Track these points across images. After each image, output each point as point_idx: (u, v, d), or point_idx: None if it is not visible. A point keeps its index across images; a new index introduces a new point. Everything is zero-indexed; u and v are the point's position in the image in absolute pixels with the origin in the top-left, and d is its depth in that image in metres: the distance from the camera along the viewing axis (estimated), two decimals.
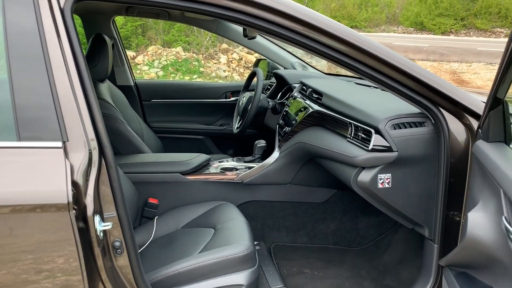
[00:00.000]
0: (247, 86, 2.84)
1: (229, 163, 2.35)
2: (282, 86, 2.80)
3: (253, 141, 2.51)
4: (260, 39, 2.86)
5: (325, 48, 1.38)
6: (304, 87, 2.38)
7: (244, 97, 2.66)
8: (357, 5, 18.22)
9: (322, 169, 2.13)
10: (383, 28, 17.03)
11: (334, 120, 1.85)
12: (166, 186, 2.16)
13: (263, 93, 2.80)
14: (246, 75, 9.62)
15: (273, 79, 2.95)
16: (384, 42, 13.08)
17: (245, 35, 2.36)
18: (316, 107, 2.02)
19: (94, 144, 1.23)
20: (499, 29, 15.52)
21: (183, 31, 10.31)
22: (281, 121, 2.40)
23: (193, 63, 9.21)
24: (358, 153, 1.62)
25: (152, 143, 2.70)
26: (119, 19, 9.61)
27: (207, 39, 10.05)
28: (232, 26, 2.79)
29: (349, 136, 1.73)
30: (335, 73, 2.89)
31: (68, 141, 1.20)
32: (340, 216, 2.31)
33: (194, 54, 9.55)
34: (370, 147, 1.58)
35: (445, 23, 16.54)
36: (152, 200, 2.11)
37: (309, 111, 2.04)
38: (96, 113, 1.25)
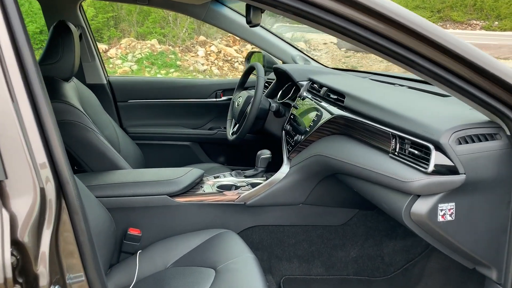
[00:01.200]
0: (243, 84, 2.39)
1: (227, 179, 1.91)
2: (283, 83, 2.37)
3: (248, 148, 2.08)
4: (256, 28, 2.41)
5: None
6: (314, 85, 1.96)
7: (241, 97, 2.22)
8: None
9: (343, 185, 1.72)
10: None
11: (367, 129, 1.43)
12: (151, 212, 1.71)
13: None
14: (226, 68, 9.16)
15: (271, 75, 2.52)
16: None
17: (248, 22, 1.91)
18: (338, 111, 1.60)
19: (48, 179, 0.78)
20: (475, 21, 15.46)
21: (158, 23, 9.75)
22: (288, 127, 1.97)
23: (170, 56, 8.68)
24: (413, 177, 1.20)
25: (130, 154, 2.23)
26: (90, 11, 8.98)
27: (184, 31, 9.51)
28: (223, 12, 2.33)
29: (392, 151, 1.31)
30: (344, 68, 2.47)
31: (6, 179, 0.75)
32: (362, 240, 1.90)
33: (170, 47, 9.01)
34: (431, 168, 1.17)
35: (422, 15, 16.39)
36: (133, 231, 1.65)
37: (329, 117, 1.62)
38: (51, 131, 0.79)
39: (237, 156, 2.67)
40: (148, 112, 2.58)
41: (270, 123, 2.18)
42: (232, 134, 2.27)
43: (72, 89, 1.91)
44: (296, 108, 1.99)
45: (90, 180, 1.70)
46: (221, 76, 8.38)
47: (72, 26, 1.87)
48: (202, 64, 8.54)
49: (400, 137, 1.29)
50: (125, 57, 8.58)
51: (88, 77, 2.36)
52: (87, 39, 2.31)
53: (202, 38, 9.53)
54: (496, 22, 14.89)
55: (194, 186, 1.80)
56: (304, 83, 2.07)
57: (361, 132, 1.47)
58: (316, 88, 1.93)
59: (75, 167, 1.91)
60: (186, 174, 1.79)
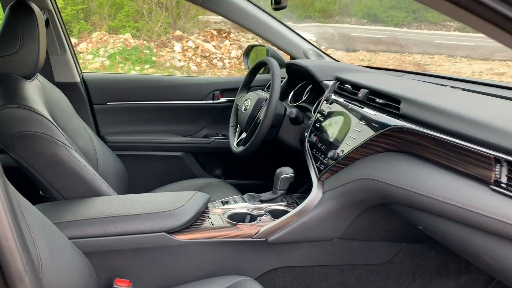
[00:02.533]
0: (248, 83, 1.96)
1: (239, 205, 1.48)
2: (296, 83, 1.96)
3: (251, 159, 1.67)
4: (263, 16, 1.99)
5: None
6: (345, 85, 1.55)
7: (249, 99, 1.79)
8: None
9: (394, 216, 1.33)
10: (337, 19, 16.57)
11: (448, 148, 1.04)
12: (144, 255, 1.27)
13: (264, 91, 1.95)
14: (204, 65, 8.67)
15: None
16: (342, 32, 12.54)
17: (277, 2, 1.49)
18: (396, 121, 1.19)
19: None
20: (449, 23, 15.53)
21: (131, 16, 9.17)
22: (313, 138, 1.56)
23: (144, 51, 8.13)
24: None
25: (110, 169, 1.77)
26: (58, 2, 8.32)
27: (159, 25, 8.97)
28: None
29: (497, 182, 0.92)
30: (365, 65, 2.07)
31: None
32: (408, 281, 1.51)
33: (145, 42, 8.45)
34: None
35: (397, 16, 16.40)
36: (120, 283, 1.21)
37: (382, 128, 1.21)
38: None
39: (237, 168, 2.24)
40: (131, 116, 2.11)
41: (285, 131, 1.76)
42: (238, 144, 1.84)
43: (36, 90, 1.44)
44: (323, 115, 1.58)
45: (61, 214, 1.24)
46: (200, 73, 7.91)
47: (36, 8, 1.41)
48: (179, 60, 8.04)
49: (509, 162, 0.90)
50: (96, 52, 7.99)
51: (57, 74, 1.88)
52: (56, 27, 1.82)
53: (178, 33, 9.01)
54: None
55: (199, 217, 1.37)
56: (330, 83, 1.66)
57: (437, 152, 1.07)
58: (348, 90, 1.52)
59: (41, 192, 1.45)
60: (188, 202, 1.35)
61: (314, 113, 1.72)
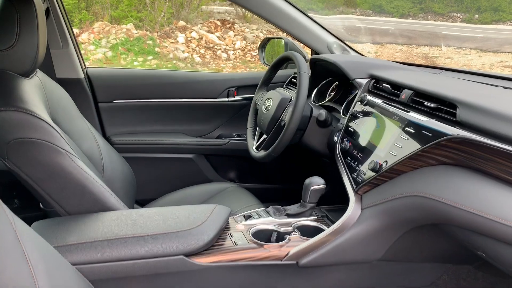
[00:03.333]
0: (268, 81, 1.78)
1: (264, 220, 1.30)
2: (320, 79, 1.78)
3: (267, 161, 1.51)
4: (281, 5, 1.79)
5: None
6: (382, 85, 1.37)
7: (270, 98, 1.61)
8: None
9: (439, 234, 1.16)
10: (341, 10, 16.29)
11: None
12: (159, 282, 1.10)
13: (284, 88, 1.77)
14: (208, 56, 8.46)
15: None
16: (347, 24, 12.27)
17: None
18: (454, 129, 1.02)
19: None
20: (455, 14, 15.25)
21: (133, 6, 8.95)
22: (346, 144, 1.38)
23: (147, 42, 7.92)
24: None
25: (117, 174, 1.60)
26: None
27: (162, 15, 8.76)
28: None
29: None
30: (400, 61, 1.87)
31: None
32: None
33: (148, 32, 8.24)
34: None
35: (403, 6, 16.14)
36: None
37: (437, 138, 1.04)
38: None
39: (254, 171, 2.06)
40: (139, 115, 1.93)
41: (310, 134, 1.58)
42: (258, 148, 1.66)
43: (35, 89, 1.26)
44: (356, 118, 1.40)
45: (63, 236, 1.07)
46: (204, 65, 7.70)
47: None
48: (183, 51, 7.84)
49: None
50: (98, 43, 7.78)
51: (59, 69, 1.69)
52: (57, 17, 1.63)
53: (181, 23, 8.79)
54: (477, 15, 14.71)
55: (220, 235, 1.20)
56: (363, 81, 1.48)
57: (509, 168, 0.90)
58: (387, 90, 1.34)
59: (41, 205, 1.28)
60: (208, 218, 1.17)
61: (344, 115, 1.55)
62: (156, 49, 7.84)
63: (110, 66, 6.97)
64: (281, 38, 2.11)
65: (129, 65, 7.24)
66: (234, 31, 9.12)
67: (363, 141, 1.31)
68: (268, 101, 1.61)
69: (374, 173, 1.19)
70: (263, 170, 2.06)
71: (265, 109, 1.61)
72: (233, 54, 8.29)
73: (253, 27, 9.31)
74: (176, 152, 1.94)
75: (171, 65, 7.33)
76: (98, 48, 7.61)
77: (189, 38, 8.40)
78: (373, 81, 1.45)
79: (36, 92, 1.25)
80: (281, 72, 2.03)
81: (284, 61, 1.69)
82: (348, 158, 1.35)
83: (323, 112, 1.51)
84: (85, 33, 7.90)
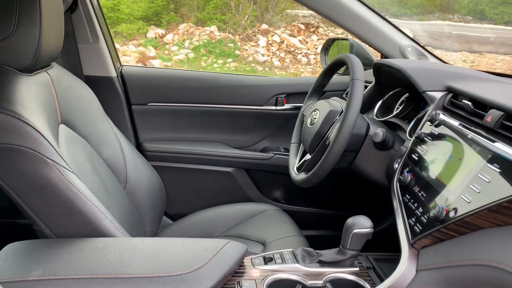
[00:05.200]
0: (320, 88, 1.47)
1: (287, 266, 1.01)
2: (387, 89, 1.44)
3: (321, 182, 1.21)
4: (350, 3, 1.48)
5: None
6: (460, 101, 1.02)
7: (317, 110, 1.31)
8: None
9: None
10: (437, 15, 15.19)
11: None
12: None
13: (343, 98, 1.45)
14: (287, 60, 8.22)
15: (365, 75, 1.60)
16: (442, 31, 11.35)
17: None
18: None
19: None
20: None
21: (219, 8, 9.01)
22: (407, 177, 1.04)
23: (228, 44, 7.90)
24: None
25: (142, 184, 1.41)
26: None
27: (245, 18, 8.71)
28: None
29: None
30: (485, 70, 1.46)
31: None
32: None
33: (230, 35, 8.22)
34: None
35: (509, 13, 14.64)
36: None
37: None
38: None
39: (301, 192, 1.77)
40: (175, 121, 1.72)
41: (365, 158, 1.26)
42: (299, 170, 1.37)
43: (36, 87, 1.09)
44: (423, 142, 1.05)
45: (29, 266, 0.87)
46: (282, 69, 7.48)
47: None
48: (263, 55, 7.69)
49: None
50: (182, 44, 7.92)
51: (87, 66, 1.53)
52: (87, 9, 1.47)
53: (264, 26, 8.67)
54: None
55: (226, 282, 0.93)
56: (437, 95, 1.13)
57: None
58: (467, 108, 0.98)
59: (33, 225, 1.10)
60: (210, 260, 0.91)
61: (411, 136, 1.20)
62: (237, 51, 7.78)
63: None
64: (347, 39, 1.80)
65: (209, 67, 7.25)
66: (317, 35, 8.79)
67: (428, 175, 0.97)
68: (315, 113, 1.31)
69: (438, 223, 0.84)
70: (312, 191, 1.76)
71: (310, 122, 1.31)
72: (314, 58, 7.97)
73: (338, 32, 8.91)
74: (214, 164, 1.70)
75: (249, 68, 7.22)
76: (181, 49, 7.73)
77: (270, 42, 8.25)
78: (450, 95, 1.09)
79: (36, 90, 1.08)
80: (343, 79, 1.71)
81: (338, 66, 1.37)
82: (407, 195, 1.01)
83: (379, 132, 1.18)
84: (170, 34, 8.08)
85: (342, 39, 1.85)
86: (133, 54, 7.20)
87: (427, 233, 0.86)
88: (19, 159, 0.95)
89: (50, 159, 0.97)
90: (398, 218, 0.99)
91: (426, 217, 0.89)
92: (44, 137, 0.97)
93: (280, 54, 7.94)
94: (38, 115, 1.01)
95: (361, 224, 0.98)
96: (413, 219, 0.93)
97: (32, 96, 1.04)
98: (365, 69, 1.64)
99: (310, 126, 1.31)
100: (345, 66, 1.40)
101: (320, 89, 1.46)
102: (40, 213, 1.00)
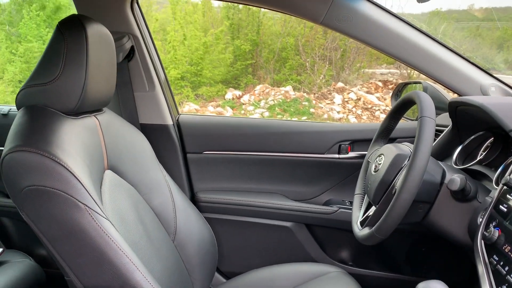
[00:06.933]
0: (387, 132, 1.31)
1: None
2: (467, 133, 1.24)
3: (392, 240, 1.00)
4: (420, 40, 1.34)
5: None
6: None
7: (383, 155, 1.15)
8: (495, 44, 15.70)
9: None
10: None
11: None
12: None
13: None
14: (365, 117, 8.00)
15: (440, 120, 1.41)
16: None
17: None
18: None
19: None
20: None
21: (294, 69, 9.21)
22: (494, 234, 0.83)
23: (303, 103, 7.93)
24: None
25: (193, 237, 1.31)
26: (227, 57, 8.85)
27: (321, 77, 8.76)
28: (358, 8, 1.31)
29: None
30: None
31: None
32: None
33: (305, 94, 8.28)
34: None
35: None
36: None
37: None
38: None
39: (371, 252, 1.55)
40: (231, 170, 1.63)
41: (441, 211, 1.05)
42: (362, 224, 1.18)
43: (82, 130, 1.07)
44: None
45: None
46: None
47: (103, 30, 1.07)
48: (338, 112, 7.58)
49: None
50: (257, 104, 8.11)
51: (143, 114, 1.52)
52: (143, 57, 1.48)
53: (340, 84, 8.64)
54: None
55: None
56: None
57: None
58: None
59: (64, 275, 1.03)
60: None
61: (497, 185, 0.98)
62: (311, 109, 7.76)
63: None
64: (419, 82, 1.63)
65: None
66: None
67: None
68: (379, 159, 1.14)
69: None
70: (384, 252, 1.53)
71: (375, 169, 1.14)
72: None
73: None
74: (271, 217, 1.56)
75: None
76: (257, 108, 7.90)
77: (346, 99, 8.15)
78: None
79: (79, 133, 1.05)
80: (415, 124, 1.53)
81: (407, 106, 1.20)
82: (494, 256, 0.79)
83: (457, 178, 0.98)
84: (246, 94, 8.34)
85: (414, 82, 1.68)
86: (211, 114, 7.47)
87: None
88: (50, 201, 0.90)
89: (82, 203, 0.91)
90: (484, 286, 0.77)
91: None
92: (78, 180, 0.92)
93: (357, 111, 7.78)
94: (75, 157, 0.96)
95: None
96: (504, 287, 0.71)
97: (73, 138, 1.01)
98: (441, 113, 1.46)
99: (374, 173, 1.13)
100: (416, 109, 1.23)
101: (387, 133, 1.29)
102: (70, 261, 0.93)
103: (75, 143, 1.01)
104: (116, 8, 1.41)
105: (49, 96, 1.01)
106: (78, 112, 1.07)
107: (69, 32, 1.01)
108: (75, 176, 0.92)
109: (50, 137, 0.95)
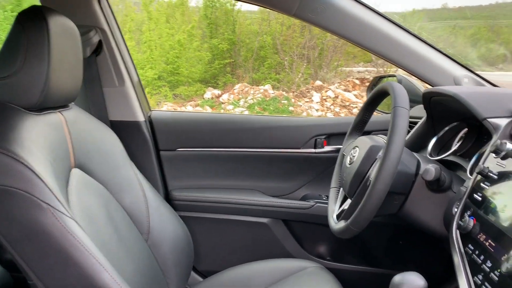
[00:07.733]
0: (361, 125, 1.29)
1: None
2: (441, 124, 1.23)
3: (369, 234, 0.98)
4: (391, 30, 1.33)
5: None
6: None
7: (357, 147, 1.13)
8: (469, 43, 16.01)
9: None
10: (501, 67, 14.55)
11: None
12: None
13: None
14: (342, 114, 8.05)
15: (414, 112, 1.41)
16: (508, 80, 10.84)
17: None
18: None
19: None
20: None
21: (273, 68, 9.21)
22: (469, 223, 0.81)
23: (282, 101, 7.93)
24: None
25: (167, 235, 1.27)
26: (205, 55, 8.80)
27: (299, 76, 8.78)
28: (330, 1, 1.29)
29: None
30: None
31: None
32: None
33: (284, 92, 8.29)
34: None
35: None
36: None
37: None
38: None
39: (349, 246, 1.54)
40: (206, 167, 1.59)
41: (416, 202, 1.03)
42: (338, 217, 1.16)
43: (44, 127, 1.01)
44: (488, 179, 0.83)
45: None
46: None
47: (66, 22, 1.02)
48: (317, 110, 7.61)
49: None
50: (237, 103, 8.07)
51: (113, 110, 1.47)
52: (112, 52, 1.43)
53: (318, 83, 8.68)
54: None
55: None
56: (502, 122, 0.91)
57: None
58: None
59: (27, 279, 0.98)
60: None
61: (471, 175, 0.98)
62: (290, 108, 7.77)
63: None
64: (394, 75, 1.63)
65: None
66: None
67: (497, 219, 0.74)
68: (354, 151, 1.12)
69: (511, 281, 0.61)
70: (361, 246, 1.52)
71: (349, 161, 1.12)
72: None
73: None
74: (248, 214, 1.53)
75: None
76: (236, 107, 7.86)
77: (324, 97, 8.19)
78: None
79: (42, 130, 1.00)
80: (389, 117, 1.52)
81: (380, 97, 1.19)
82: (469, 246, 0.78)
83: (432, 168, 0.96)
84: (226, 94, 8.30)
85: (389, 75, 1.68)
86: (184, 110, 7.40)
87: None
88: (11, 202, 0.85)
89: (45, 203, 0.86)
90: (460, 276, 0.75)
91: (498, 273, 0.66)
92: (40, 179, 0.87)
93: (335, 109, 7.82)
94: (37, 155, 0.91)
95: (412, 283, 0.76)
96: (480, 277, 0.70)
97: (35, 135, 0.96)
98: (416, 105, 1.45)
99: (349, 165, 1.12)
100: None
101: (362, 126, 1.28)
102: (32, 264, 0.87)
103: (37, 140, 0.95)
104: (82, 1, 1.35)
105: (9, 90, 0.96)
106: (41, 107, 1.01)
107: (29, 24, 0.96)
108: (37, 175, 0.87)
109: (9, 134, 0.90)
